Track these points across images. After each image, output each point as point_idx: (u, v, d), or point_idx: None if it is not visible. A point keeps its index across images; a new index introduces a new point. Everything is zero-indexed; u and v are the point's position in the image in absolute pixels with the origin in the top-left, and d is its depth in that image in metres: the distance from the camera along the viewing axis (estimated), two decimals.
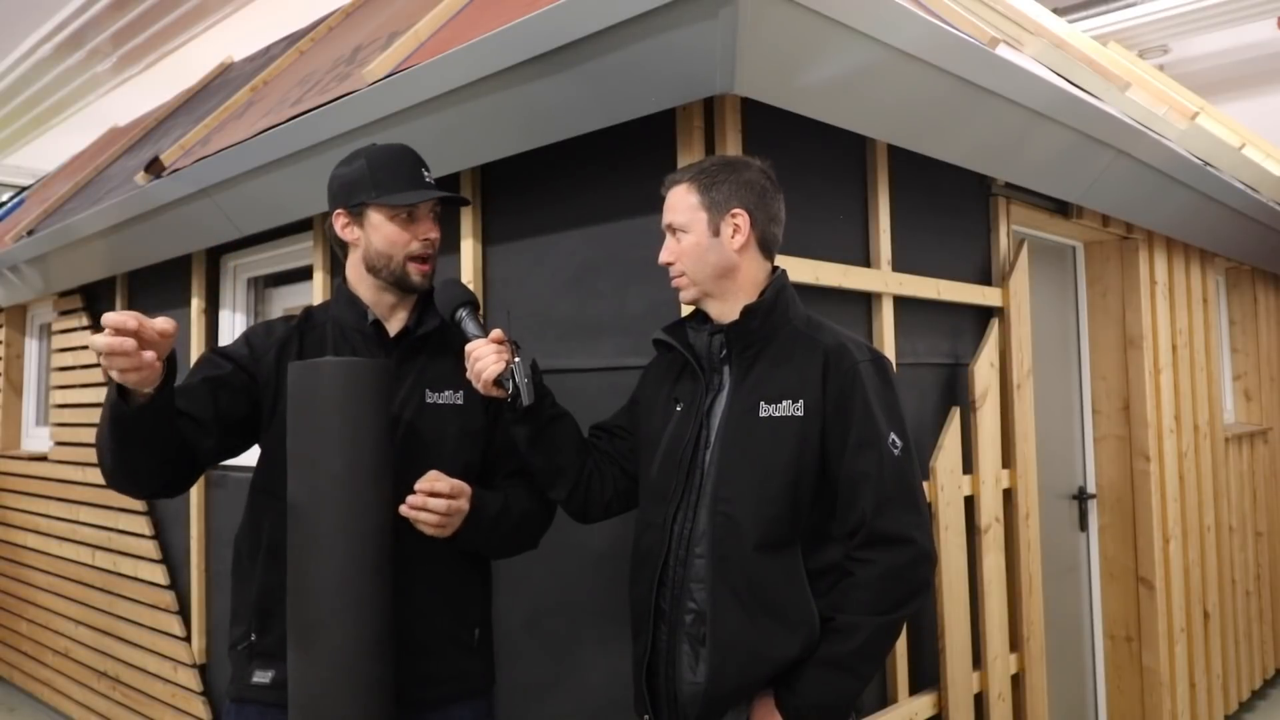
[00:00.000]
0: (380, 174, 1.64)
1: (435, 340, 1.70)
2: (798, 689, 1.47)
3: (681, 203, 1.58)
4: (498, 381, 1.51)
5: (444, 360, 1.69)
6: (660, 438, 1.62)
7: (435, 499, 1.52)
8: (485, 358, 1.51)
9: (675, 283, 1.61)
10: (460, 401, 1.69)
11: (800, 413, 1.50)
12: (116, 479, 1.56)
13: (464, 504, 1.55)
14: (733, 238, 1.56)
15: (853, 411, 1.49)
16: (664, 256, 1.61)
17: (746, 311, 1.56)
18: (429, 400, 1.67)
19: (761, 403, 1.52)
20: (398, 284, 1.66)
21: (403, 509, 1.50)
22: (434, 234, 1.66)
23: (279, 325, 1.72)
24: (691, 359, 1.61)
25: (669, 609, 1.55)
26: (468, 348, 1.54)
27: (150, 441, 1.48)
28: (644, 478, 1.66)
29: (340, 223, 1.69)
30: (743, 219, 1.56)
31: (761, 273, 1.60)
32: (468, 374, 1.54)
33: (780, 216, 1.63)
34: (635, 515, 1.68)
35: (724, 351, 1.58)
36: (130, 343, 1.30)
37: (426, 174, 1.68)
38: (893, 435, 1.50)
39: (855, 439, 1.49)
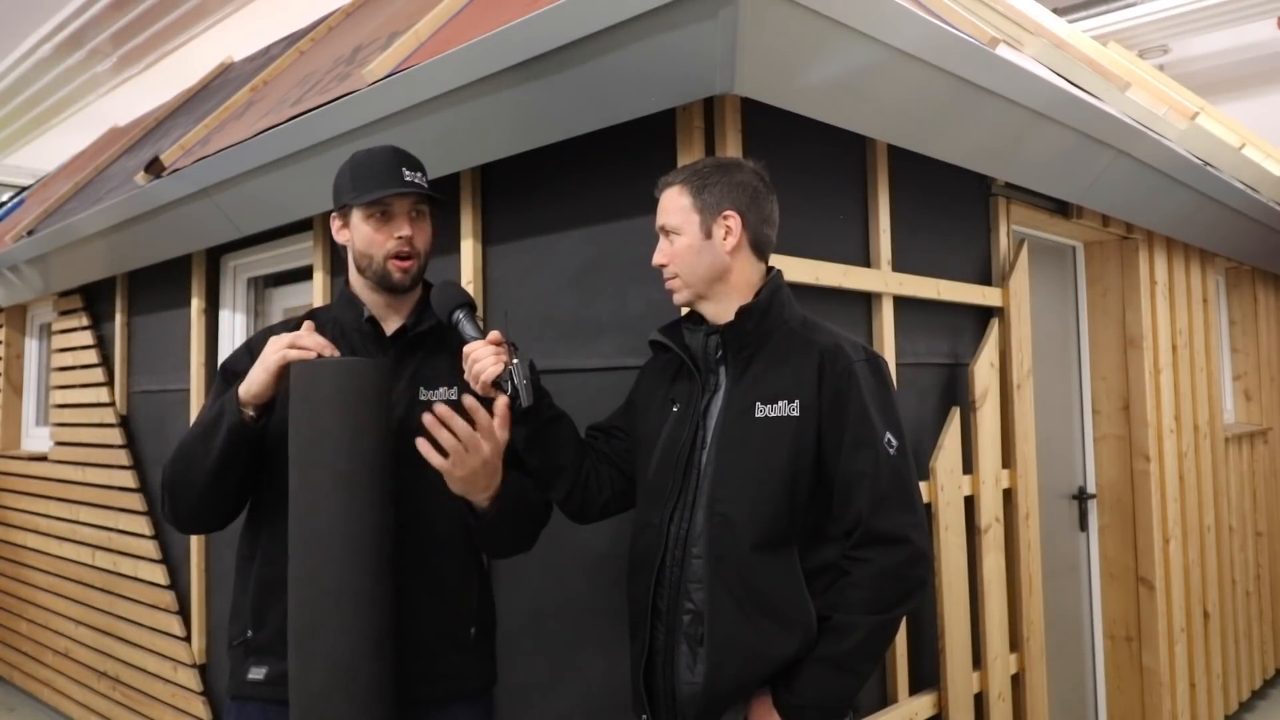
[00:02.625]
0: (359, 175, 1.65)
1: (432, 338, 1.71)
2: (795, 688, 1.47)
3: (674, 205, 1.59)
4: (496, 383, 1.51)
5: (439, 358, 1.69)
6: (657, 438, 1.62)
7: (456, 420, 1.48)
8: (483, 359, 1.51)
9: (669, 284, 1.61)
10: (455, 397, 1.69)
11: (796, 413, 1.51)
12: (197, 513, 1.64)
13: (484, 447, 1.49)
14: (725, 239, 1.56)
15: (848, 411, 1.50)
16: (657, 258, 1.61)
17: (742, 312, 1.56)
18: (423, 397, 1.67)
19: (757, 403, 1.53)
20: (381, 283, 1.66)
21: (426, 418, 1.47)
22: (406, 232, 1.64)
23: (280, 330, 1.72)
24: (688, 360, 1.62)
25: (666, 609, 1.55)
26: (465, 349, 1.54)
27: (244, 463, 1.57)
28: (641, 478, 1.66)
29: (335, 226, 1.72)
30: (734, 221, 1.56)
31: (755, 274, 1.61)
32: (466, 375, 1.54)
33: (773, 218, 1.63)
34: (632, 516, 1.68)
35: (720, 352, 1.59)
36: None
37: (409, 173, 1.64)
38: (888, 435, 1.50)
39: (851, 439, 1.49)
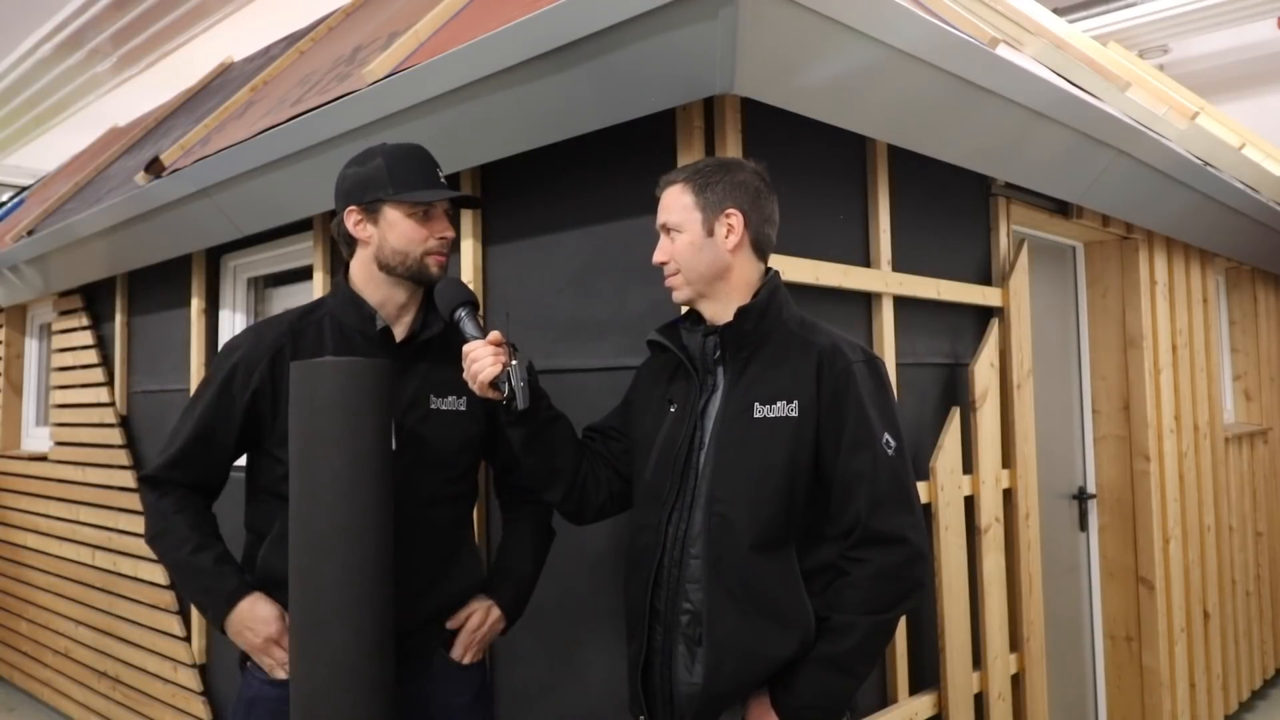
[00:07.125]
0: (397, 172, 1.64)
1: (439, 345, 1.70)
2: (793, 688, 1.47)
3: (676, 203, 1.58)
4: (494, 384, 1.51)
5: (447, 366, 1.68)
6: (654, 439, 1.62)
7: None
8: (482, 359, 1.51)
9: (669, 282, 1.61)
10: (463, 408, 1.70)
11: (794, 413, 1.50)
12: None
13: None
14: (726, 238, 1.56)
15: (846, 412, 1.50)
16: (658, 256, 1.61)
17: (740, 312, 1.56)
18: (433, 406, 1.68)
19: (756, 404, 1.52)
20: (414, 278, 1.66)
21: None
22: (450, 233, 1.68)
23: (268, 331, 1.70)
24: (685, 360, 1.61)
25: (664, 610, 1.55)
26: (465, 349, 1.54)
27: None
28: (638, 479, 1.66)
29: (353, 220, 1.67)
30: (736, 219, 1.56)
31: (755, 273, 1.60)
32: (465, 375, 1.54)
33: (774, 218, 1.63)
34: (630, 516, 1.68)
35: (718, 352, 1.58)
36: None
37: (440, 173, 1.69)
38: (886, 435, 1.50)
39: (849, 439, 1.49)
